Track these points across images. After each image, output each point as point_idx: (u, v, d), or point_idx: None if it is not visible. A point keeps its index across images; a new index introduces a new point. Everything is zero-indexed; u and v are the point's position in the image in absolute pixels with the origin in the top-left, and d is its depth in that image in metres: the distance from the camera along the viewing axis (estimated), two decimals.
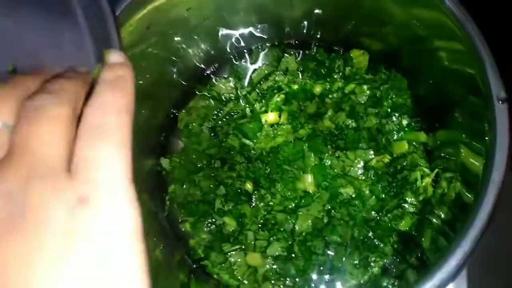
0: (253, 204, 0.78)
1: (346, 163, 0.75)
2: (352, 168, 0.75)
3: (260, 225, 0.77)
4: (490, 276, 0.77)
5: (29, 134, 0.27)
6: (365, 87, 0.82)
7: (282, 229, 0.76)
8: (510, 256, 0.83)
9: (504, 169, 0.54)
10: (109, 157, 0.28)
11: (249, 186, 0.78)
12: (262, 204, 0.77)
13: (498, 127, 0.55)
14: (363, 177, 0.76)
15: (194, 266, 0.81)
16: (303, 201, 0.76)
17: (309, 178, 0.75)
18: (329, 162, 0.76)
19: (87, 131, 0.29)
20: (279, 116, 0.82)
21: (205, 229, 0.80)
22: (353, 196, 0.75)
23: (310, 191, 0.76)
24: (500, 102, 0.55)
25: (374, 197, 0.75)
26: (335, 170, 0.76)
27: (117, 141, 0.29)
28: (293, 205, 0.76)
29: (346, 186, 0.75)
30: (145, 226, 0.80)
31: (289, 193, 0.76)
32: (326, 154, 0.76)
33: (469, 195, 0.63)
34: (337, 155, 0.76)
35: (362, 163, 0.76)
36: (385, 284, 0.74)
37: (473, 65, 0.59)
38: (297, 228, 0.75)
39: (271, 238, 0.76)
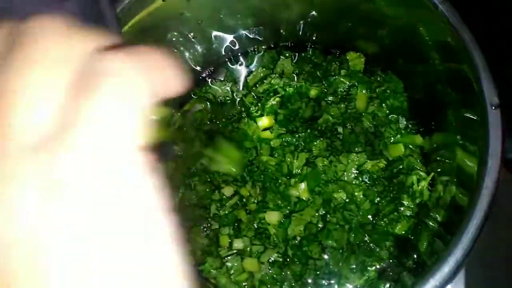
0: (249, 210, 0.78)
1: (338, 168, 0.75)
2: (345, 173, 0.75)
3: (255, 231, 0.77)
4: (487, 270, 0.77)
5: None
6: (361, 89, 0.82)
7: (273, 234, 0.76)
8: (507, 250, 0.83)
9: (497, 174, 0.54)
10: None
11: (244, 191, 0.78)
12: (256, 211, 0.77)
13: (491, 132, 0.55)
14: (357, 182, 0.76)
15: (192, 270, 0.81)
16: (297, 206, 0.76)
17: (302, 185, 0.75)
18: (322, 168, 0.76)
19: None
20: (275, 120, 0.81)
21: (202, 233, 0.80)
22: (347, 200, 0.75)
23: (304, 198, 0.76)
24: (493, 108, 0.55)
25: (368, 201, 0.75)
26: (328, 175, 0.76)
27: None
28: (287, 211, 0.76)
29: (339, 191, 0.75)
30: None
31: (280, 202, 0.76)
32: (319, 159, 0.76)
33: (464, 199, 0.63)
34: (330, 160, 0.76)
35: (355, 168, 0.76)
36: (381, 287, 0.74)
37: (467, 70, 0.59)
38: (289, 232, 0.75)
39: (266, 244, 0.76)
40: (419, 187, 0.75)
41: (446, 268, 0.53)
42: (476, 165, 0.60)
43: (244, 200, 0.79)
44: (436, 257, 0.65)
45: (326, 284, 0.76)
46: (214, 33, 0.83)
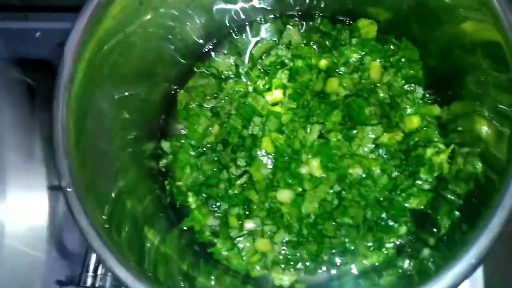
0: (258, 190, 0.75)
1: (353, 142, 0.72)
2: (360, 147, 0.72)
3: (267, 211, 0.74)
4: (506, 266, 0.74)
5: None
6: (374, 58, 0.78)
7: (286, 213, 0.73)
8: None
9: None
10: None
11: (253, 171, 0.75)
12: (267, 190, 0.74)
13: None
14: (373, 156, 0.72)
15: (202, 251, 0.77)
16: (310, 183, 0.72)
17: (314, 162, 0.72)
18: (336, 142, 0.72)
19: None
20: (284, 94, 0.77)
21: (211, 214, 0.77)
22: (363, 176, 0.72)
23: (317, 175, 0.73)
24: None
25: (386, 176, 0.71)
26: (342, 150, 0.72)
27: None
28: (300, 189, 0.73)
29: (354, 166, 0.72)
30: (151, 211, 0.77)
31: (291, 180, 0.73)
32: (332, 133, 0.72)
33: (488, 172, 0.61)
34: (344, 134, 0.72)
35: (371, 141, 0.72)
36: (400, 264, 0.71)
37: (492, 29, 0.55)
38: (303, 211, 0.72)
39: (279, 224, 0.73)
40: (439, 160, 0.72)
41: (483, 242, 0.49)
42: (496, 133, 0.58)
43: (254, 179, 0.75)
44: (460, 232, 0.62)
45: (342, 262, 0.73)
46: (216, 3, 0.78)
